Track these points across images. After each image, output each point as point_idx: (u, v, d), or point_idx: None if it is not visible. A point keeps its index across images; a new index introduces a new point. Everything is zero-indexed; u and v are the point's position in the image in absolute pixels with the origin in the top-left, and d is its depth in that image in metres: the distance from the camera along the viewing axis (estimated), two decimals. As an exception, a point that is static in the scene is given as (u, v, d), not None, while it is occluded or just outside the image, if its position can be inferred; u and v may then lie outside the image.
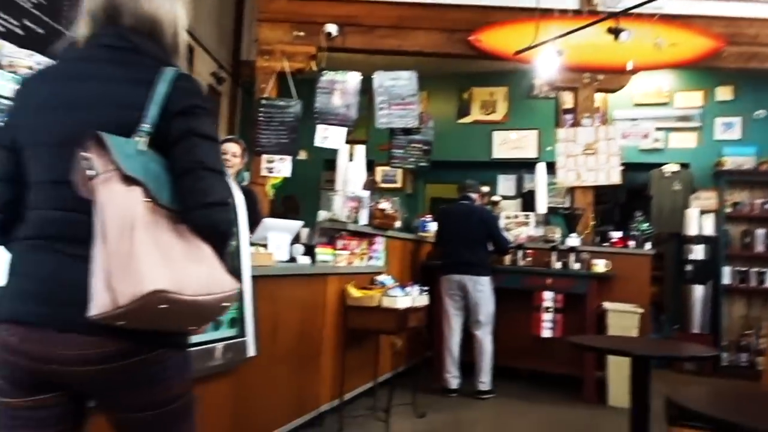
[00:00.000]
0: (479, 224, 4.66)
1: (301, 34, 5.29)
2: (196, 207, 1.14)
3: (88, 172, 1.06)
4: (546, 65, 5.09)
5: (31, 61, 2.00)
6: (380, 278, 4.06)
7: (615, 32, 4.38)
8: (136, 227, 1.04)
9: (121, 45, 1.20)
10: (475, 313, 4.60)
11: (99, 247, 1.05)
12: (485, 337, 4.58)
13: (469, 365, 4.65)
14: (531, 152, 7.18)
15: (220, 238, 1.19)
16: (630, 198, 6.36)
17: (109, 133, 1.09)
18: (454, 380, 4.62)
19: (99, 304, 1.03)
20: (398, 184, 7.50)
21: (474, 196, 4.83)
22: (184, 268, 1.07)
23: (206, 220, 1.15)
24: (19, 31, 3.01)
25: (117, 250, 1.03)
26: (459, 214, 4.75)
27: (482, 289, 4.58)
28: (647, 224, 5.32)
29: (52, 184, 1.15)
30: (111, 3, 1.22)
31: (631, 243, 5.12)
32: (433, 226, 5.32)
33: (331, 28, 5.23)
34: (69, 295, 1.08)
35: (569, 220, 5.29)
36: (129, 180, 1.07)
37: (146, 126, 1.13)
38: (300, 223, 3.55)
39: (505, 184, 7.49)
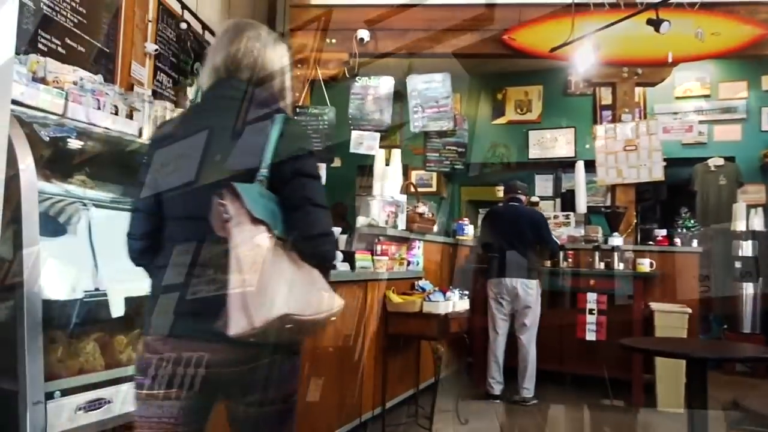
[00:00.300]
0: (530, 226, 4.53)
1: (333, 41, 5.30)
2: (305, 238, 1.35)
3: (225, 216, 1.25)
4: (583, 61, 4.98)
5: (75, 76, 2.03)
6: (420, 283, 4.02)
7: (655, 24, 4.24)
8: (264, 261, 1.24)
9: (240, 96, 1.41)
10: (522, 317, 4.49)
11: (235, 278, 1.23)
12: (530, 343, 4.48)
13: (509, 370, 4.56)
14: (568, 151, 7.06)
15: (325, 264, 1.40)
16: (672, 194, 6.19)
17: (233, 174, 1.30)
18: (497, 386, 4.53)
19: (238, 326, 1.21)
20: (433, 188, 7.43)
21: (523, 197, 4.73)
22: (303, 292, 1.28)
23: (314, 249, 1.36)
24: (60, 49, 3.08)
25: (251, 280, 1.22)
26: (509, 216, 4.63)
27: (532, 292, 4.47)
28: (693, 221, 5.16)
29: (186, 220, 1.38)
30: (232, 59, 1.43)
31: (677, 241, 4.96)
32: (469, 230, 5.24)
33: (363, 34, 5.23)
34: (208, 312, 1.28)
35: (611, 218, 5.14)
36: (256, 221, 1.26)
37: (264, 171, 1.32)
38: (338, 229, 3.54)
39: (543, 184, 7.38)
